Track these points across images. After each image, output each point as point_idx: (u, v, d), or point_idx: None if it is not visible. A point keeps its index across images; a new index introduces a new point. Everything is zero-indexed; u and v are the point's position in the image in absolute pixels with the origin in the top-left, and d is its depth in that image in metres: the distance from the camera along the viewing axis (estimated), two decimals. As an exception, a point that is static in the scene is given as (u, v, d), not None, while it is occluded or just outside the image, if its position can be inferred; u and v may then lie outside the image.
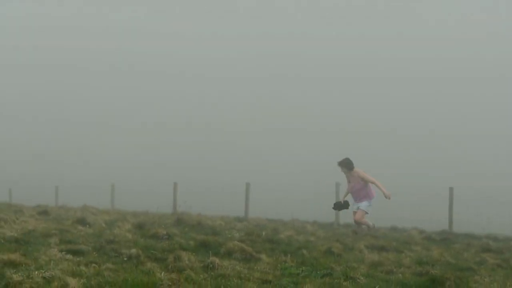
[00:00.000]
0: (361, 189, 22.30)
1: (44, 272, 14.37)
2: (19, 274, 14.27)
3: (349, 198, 24.41)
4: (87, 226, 24.01)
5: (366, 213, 22.87)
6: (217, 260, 16.74)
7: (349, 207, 23.45)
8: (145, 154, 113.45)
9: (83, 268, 15.58)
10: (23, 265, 15.45)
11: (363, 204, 22.35)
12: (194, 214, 32.84)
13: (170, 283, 13.78)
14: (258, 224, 29.22)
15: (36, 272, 14.37)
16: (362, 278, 15.22)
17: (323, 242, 20.91)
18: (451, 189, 30.99)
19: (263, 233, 22.99)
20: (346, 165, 22.76)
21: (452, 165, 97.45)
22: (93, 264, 16.23)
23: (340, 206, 23.56)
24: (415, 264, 17.53)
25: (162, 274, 15.05)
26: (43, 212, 30.79)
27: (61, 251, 17.83)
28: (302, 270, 16.30)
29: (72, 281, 13.45)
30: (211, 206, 36.30)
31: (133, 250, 18.01)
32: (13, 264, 15.48)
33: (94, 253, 18.07)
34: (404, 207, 32.82)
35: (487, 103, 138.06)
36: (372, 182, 22.74)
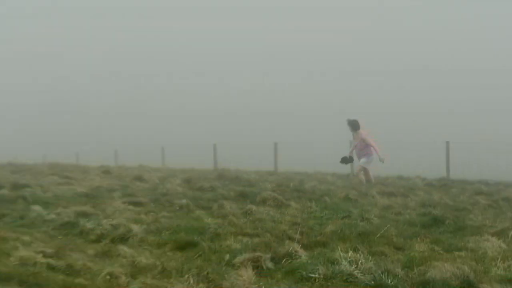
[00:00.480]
0: (362, 148, 22.53)
1: (112, 220, 14.63)
2: (91, 222, 14.56)
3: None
4: (144, 182, 24.22)
5: (365, 168, 23.07)
6: (253, 207, 16.90)
7: (354, 161, 23.67)
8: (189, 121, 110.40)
9: (143, 216, 15.83)
10: (93, 215, 15.69)
11: (362, 161, 22.61)
12: (232, 169, 32.80)
13: (216, 227, 13.99)
14: (286, 176, 29.16)
15: (105, 221, 14.64)
16: (375, 218, 15.39)
17: (341, 190, 20.94)
18: (447, 142, 31.10)
19: (291, 184, 23.06)
20: (353, 125, 23.02)
21: (449, 119, 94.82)
22: (151, 213, 16.46)
23: (346, 160, 23.95)
24: (419, 206, 17.62)
25: (209, 219, 15.29)
26: (106, 171, 30.94)
27: (124, 203, 18.02)
28: (325, 214, 16.49)
29: (134, 227, 13.67)
30: (246, 163, 36.24)
31: (184, 201, 18.21)
32: (85, 214, 15.70)
33: (152, 204, 18.26)
34: (409, 159, 32.95)
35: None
36: (370, 145, 22.94)
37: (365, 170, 23.74)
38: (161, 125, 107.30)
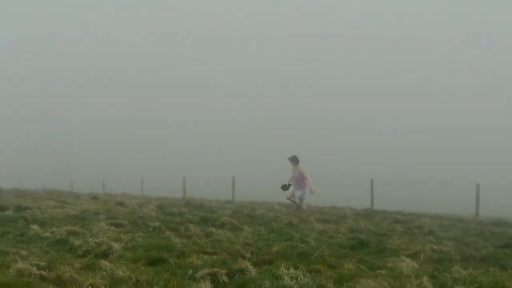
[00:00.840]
0: (298, 180, 22.65)
1: (96, 238, 14.54)
2: (79, 240, 14.48)
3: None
4: (125, 207, 24.14)
5: (301, 199, 23.21)
6: (213, 230, 16.88)
7: (290, 189, 23.83)
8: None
9: (122, 235, 15.66)
10: (81, 234, 15.56)
11: (299, 193, 22.75)
12: (197, 198, 32.82)
13: (182, 246, 13.96)
14: (241, 205, 29.23)
15: (90, 239, 14.55)
16: (312, 241, 15.37)
17: (286, 217, 21.02)
18: (372, 180, 31.47)
19: (245, 211, 23.14)
20: (293, 160, 23.19)
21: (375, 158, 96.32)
22: (129, 233, 16.33)
23: (285, 187, 24.25)
24: (348, 231, 17.68)
25: (177, 239, 15.19)
26: (94, 197, 30.80)
27: (107, 224, 17.90)
28: (272, 236, 16.44)
29: (115, 245, 13.52)
30: (209, 192, 36.46)
31: (156, 223, 18.10)
32: (74, 233, 15.60)
33: (130, 225, 18.12)
34: (341, 192, 33.16)
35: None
36: (306, 178, 23.09)
37: (300, 200, 23.79)
38: (141, 158, 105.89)
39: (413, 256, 12.89)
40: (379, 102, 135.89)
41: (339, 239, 15.72)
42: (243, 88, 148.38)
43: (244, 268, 11.02)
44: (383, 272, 11.06)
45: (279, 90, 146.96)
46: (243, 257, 12.35)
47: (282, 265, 11.15)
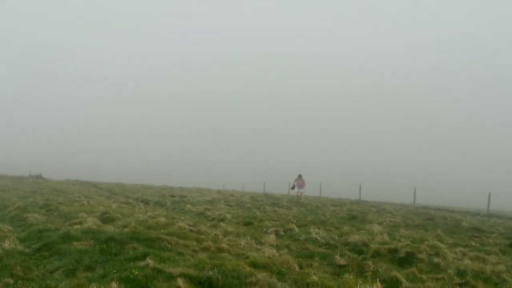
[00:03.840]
0: (301, 184, 21.76)
1: (218, 212, 14.66)
2: (210, 212, 14.60)
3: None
4: (234, 197, 24.26)
5: (302, 193, 22.33)
6: (277, 208, 16.83)
7: (295, 189, 22.74)
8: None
9: (231, 211, 15.65)
10: (211, 209, 15.66)
11: (301, 190, 22.00)
12: (271, 193, 31.86)
13: (261, 216, 13.92)
14: (293, 196, 28.81)
15: (215, 212, 14.66)
16: (328, 215, 14.93)
17: (314, 203, 20.71)
18: (360, 185, 30.10)
19: (294, 200, 22.85)
20: (300, 176, 22.22)
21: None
22: (235, 210, 16.30)
23: (293, 188, 22.99)
24: (347, 210, 17.26)
25: (258, 213, 15.09)
26: (218, 191, 30.65)
27: (224, 205, 17.97)
28: (307, 212, 16.18)
29: (227, 215, 13.67)
30: (279, 189, 34.31)
31: (249, 205, 18.10)
32: (208, 209, 15.67)
33: (236, 206, 18.09)
34: (346, 189, 31.44)
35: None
36: (305, 183, 22.21)
37: (301, 194, 22.92)
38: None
39: (380, 224, 12.71)
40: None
41: (341, 214, 15.51)
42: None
43: (292, 228, 11.12)
44: (364, 231, 10.98)
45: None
46: (292, 222, 12.41)
47: (311, 227, 11.23)
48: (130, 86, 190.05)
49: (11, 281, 5.52)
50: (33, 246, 7.59)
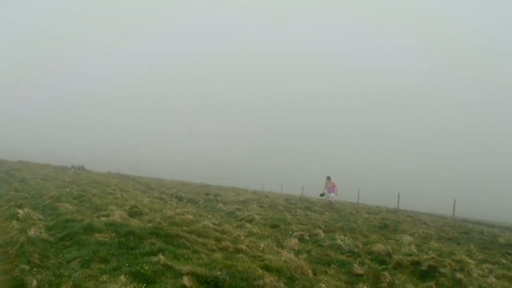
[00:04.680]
0: (331, 187, 21.25)
1: (248, 212, 14.67)
2: (240, 212, 14.71)
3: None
4: (267, 198, 24.20)
5: (334, 197, 21.75)
6: (309, 212, 16.68)
7: (325, 196, 22.20)
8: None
9: (262, 212, 15.64)
10: (242, 209, 15.72)
11: (332, 195, 21.45)
12: (306, 196, 31.57)
13: (290, 219, 13.83)
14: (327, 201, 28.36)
15: (245, 212, 14.71)
16: (359, 222, 14.63)
17: (349, 209, 20.29)
18: (399, 194, 28.96)
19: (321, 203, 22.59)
20: (328, 178, 21.70)
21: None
22: (266, 211, 16.27)
23: (323, 195, 22.41)
24: (380, 219, 16.75)
25: (288, 216, 15.00)
26: (254, 192, 30.71)
27: (256, 206, 18.00)
28: (339, 218, 15.95)
29: (256, 216, 13.68)
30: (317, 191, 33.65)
31: (281, 207, 18.04)
32: (238, 209, 15.78)
33: (268, 207, 18.07)
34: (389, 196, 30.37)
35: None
36: (336, 187, 21.70)
37: (332, 199, 22.38)
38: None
39: (411, 234, 12.24)
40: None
41: (374, 222, 15.08)
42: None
43: (318, 233, 10.98)
44: (392, 241, 10.66)
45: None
46: (319, 228, 12.26)
47: (338, 233, 11.03)
48: (183, 86, 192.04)
49: (26, 267, 5.73)
50: (57, 235, 7.85)
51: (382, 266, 7.77)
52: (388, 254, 8.60)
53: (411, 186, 52.01)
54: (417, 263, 7.70)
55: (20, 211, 9.94)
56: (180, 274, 5.56)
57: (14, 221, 9.04)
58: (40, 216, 9.87)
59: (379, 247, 9.17)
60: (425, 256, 8.23)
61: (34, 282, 5.16)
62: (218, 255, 7.05)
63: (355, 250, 9.11)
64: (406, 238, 11.23)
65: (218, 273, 5.72)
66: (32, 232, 7.61)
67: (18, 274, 5.55)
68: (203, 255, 6.93)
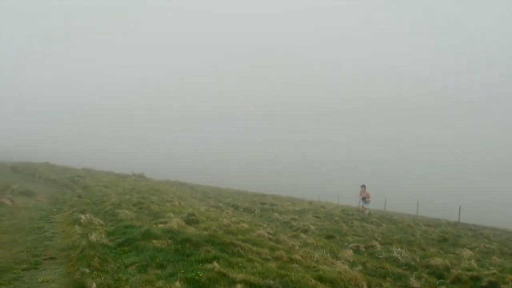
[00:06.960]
0: (366, 197, 20.76)
1: (303, 223, 14.71)
2: (295, 222, 14.71)
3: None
4: (324, 208, 24.04)
5: (368, 206, 21.17)
6: (365, 224, 16.45)
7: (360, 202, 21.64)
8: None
9: (318, 222, 15.62)
10: (298, 220, 15.80)
11: (367, 205, 20.91)
12: (360, 209, 30.95)
13: (346, 230, 13.75)
14: (387, 212, 27.71)
15: (301, 223, 14.71)
16: (418, 235, 14.32)
17: (407, 221, 19.80)
18: (460, 207, 27.74)
19: (387, 216, 22.01)
20: (364, 186, 21.24)
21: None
22: (321, 222, 16.26)
23: (360, 201, 21.79)
24: (439, 232, 16.13)
25: (344, 227, 14.91)
26: (310, 202, 30.54)
27: (312, 216, 17.93)
28: (396, 231, 15.63)
29: (311, 227, 13.73)
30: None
31: (337, 218, 17.88)
32: (294, 219, 15.82)
33: (324, 218, 18.01)
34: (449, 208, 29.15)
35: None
36: (370, 197, 21.18)
37: (364, 208, 21.82)
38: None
39: (472, 249, 11.81)
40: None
41: (433, 235, 14.63)
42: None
43: (374, 245, 10.88)
44: (451, 255, 10.37)
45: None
46: (376, 239, 12.11)
47: (395, 245, 10.86)
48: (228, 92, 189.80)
49: (87, 271, 6.17)
50: (117, 240, 8.33)
51: (440, 280, 7.62)
52: (447, 269, 8.40)
53: (473, 199, 49.61)
54: (477, 278, 7.49)
55: (82, 216, 10.60)
56: (233, 282, 5.77)
57: (76, 226, 9.67)
58: (101, 222, 10.47)
59: (437, 261, 8.97)
60: (486, 272, 7.98)
61: (94, 285, 5.53)
62: (272, 264, 7.21)
63: (412, 263, 8.97)
64: (466, 253, 10.87)
65: (271, 282, 5.88)
66: (93, 237, 8.12)
67: (78, 276, 5.97)
68: (257, 264, 7.11)
